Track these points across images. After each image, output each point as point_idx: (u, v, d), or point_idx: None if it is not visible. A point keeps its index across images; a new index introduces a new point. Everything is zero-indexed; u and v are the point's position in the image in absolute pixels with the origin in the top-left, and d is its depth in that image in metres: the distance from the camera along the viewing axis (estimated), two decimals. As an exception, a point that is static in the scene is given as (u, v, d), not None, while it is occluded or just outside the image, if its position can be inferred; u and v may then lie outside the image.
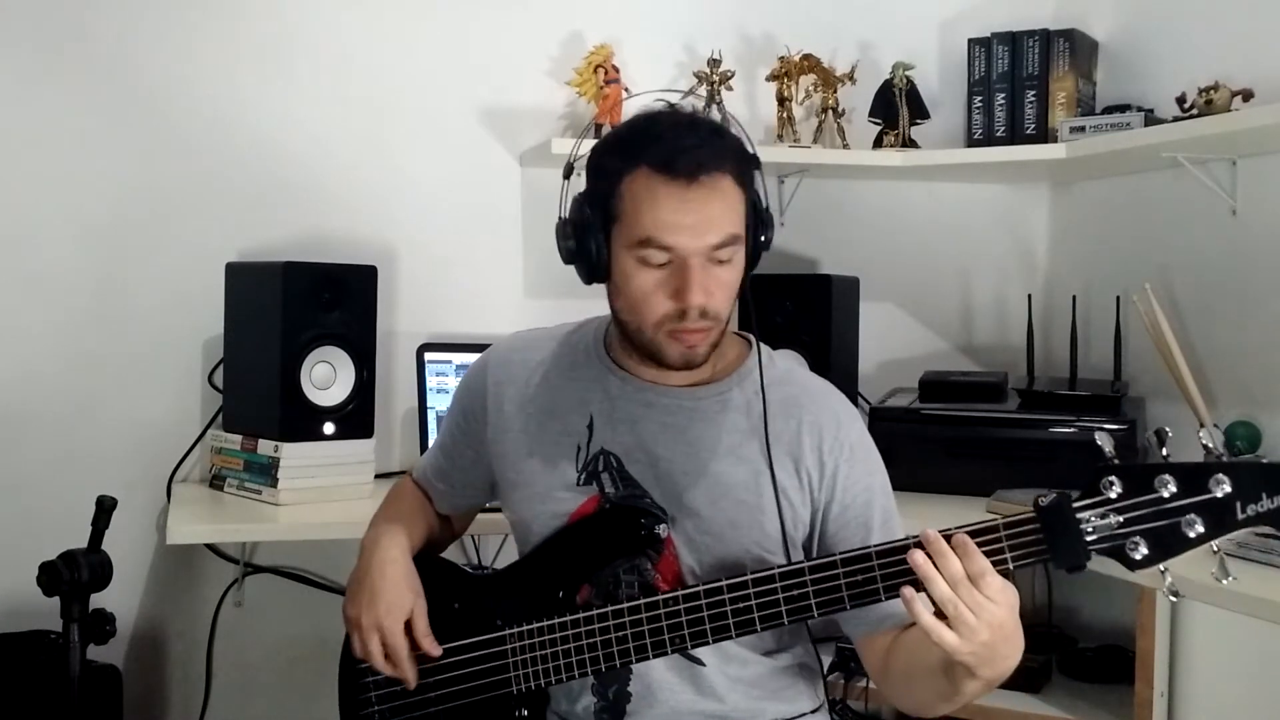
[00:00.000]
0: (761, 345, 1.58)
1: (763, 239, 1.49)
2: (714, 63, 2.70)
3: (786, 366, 1.60)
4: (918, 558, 1.26)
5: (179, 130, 2.53)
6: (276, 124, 2.59)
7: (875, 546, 1.33)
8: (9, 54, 2.41)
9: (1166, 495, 1.23)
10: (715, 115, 1.49)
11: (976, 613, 1.24)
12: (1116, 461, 1.27)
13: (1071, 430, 2.43)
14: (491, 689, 1.54)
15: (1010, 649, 1.30)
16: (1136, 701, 2.04)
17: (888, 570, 1.32)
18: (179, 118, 2.52)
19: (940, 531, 1.28)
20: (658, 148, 1.41)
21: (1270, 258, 2.33)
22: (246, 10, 2.56)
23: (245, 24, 2.56)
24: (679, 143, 1.41)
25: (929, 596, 1.26)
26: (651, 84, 2.66)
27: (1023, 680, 2.32)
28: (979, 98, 2.72)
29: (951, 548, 1.26)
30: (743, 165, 1.45)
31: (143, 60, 2.50)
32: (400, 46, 2.67)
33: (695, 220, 1.40)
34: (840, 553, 1.36)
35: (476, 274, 2.75)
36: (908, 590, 1.27)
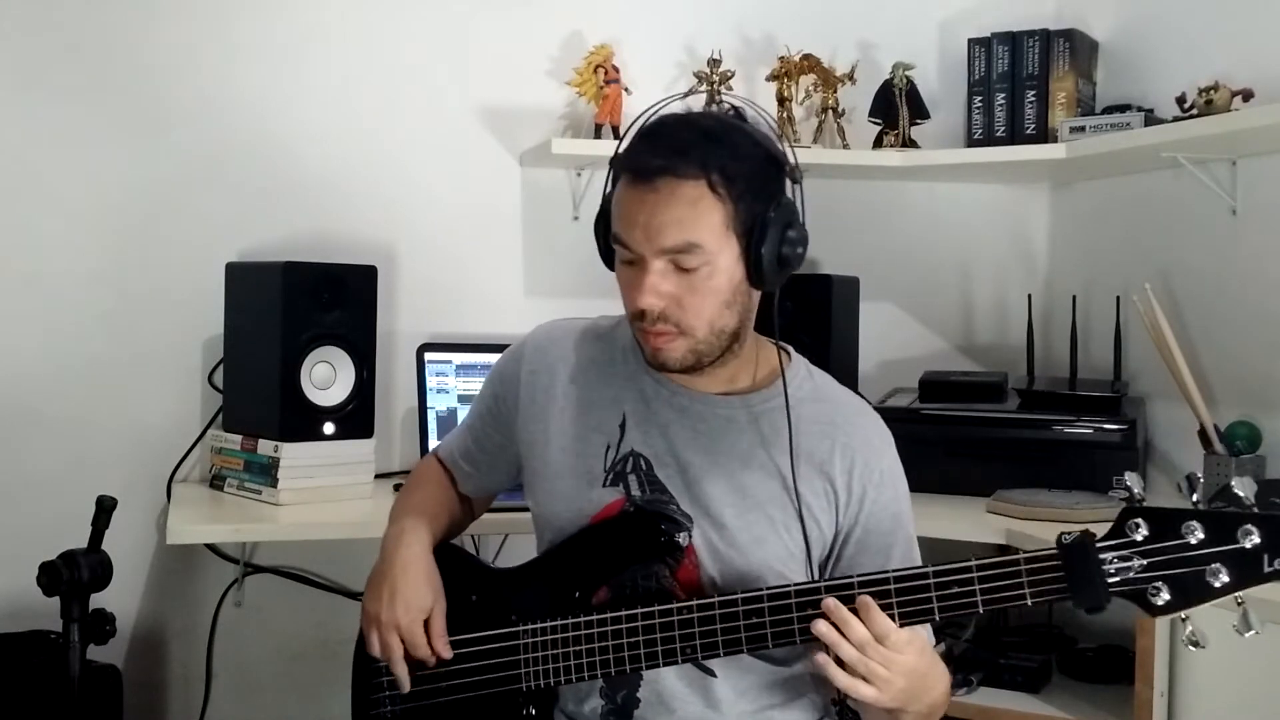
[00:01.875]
0: (799, 358, 1.58)
1: (763, 252, 1.42)
2: (714, 63, 2.70)
3: (823, 382, 1.59)
4: (821, 628, 1.31)
5: (179, 130, 2.53)
6: (276, 124, 2.59)
7: (894, 572, 1.35)
8: (8, 54, 2.41)
9: (1193, 542, 1.22)
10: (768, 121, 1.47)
11: (887, 666, 1.30)
12: (1145, 503, 1.26)
13: (1072, 430, 2.43)
14: (501, 684, 1.54)
15: (932, 682, 1.36)
16: (1136, 701, 2.04)
17: (904, 597, 1.33)
18: (179, 118, 2.53)
19: (833, 583, 1.34)
20: (635, 149, 1.43)
21: (1270, 258, 2.33)
22: (247, 11, 2.56)
23: (245, 24, 2.56)
24: (655, 144, 1.41)
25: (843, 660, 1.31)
26: (651, 84, 2.68)
27: (1023, 680, 2.33)
28: (979, 98, 2.72)
29: (854, 611, 1.31)
30: (733, 174, 1.40)
31: (142, 60, 2.50)
32: (401, 46, 2.67)
33: (647, 221, 1.40)
34: (858, 575, 1.36)
35: (476, 274, 2.75)
36: (820, 656, 1.32)
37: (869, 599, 1.31)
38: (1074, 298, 2.70)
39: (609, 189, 1.49)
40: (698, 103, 1.53)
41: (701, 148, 1.40)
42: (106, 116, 2.48)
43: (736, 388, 1.53)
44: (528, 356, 1.64)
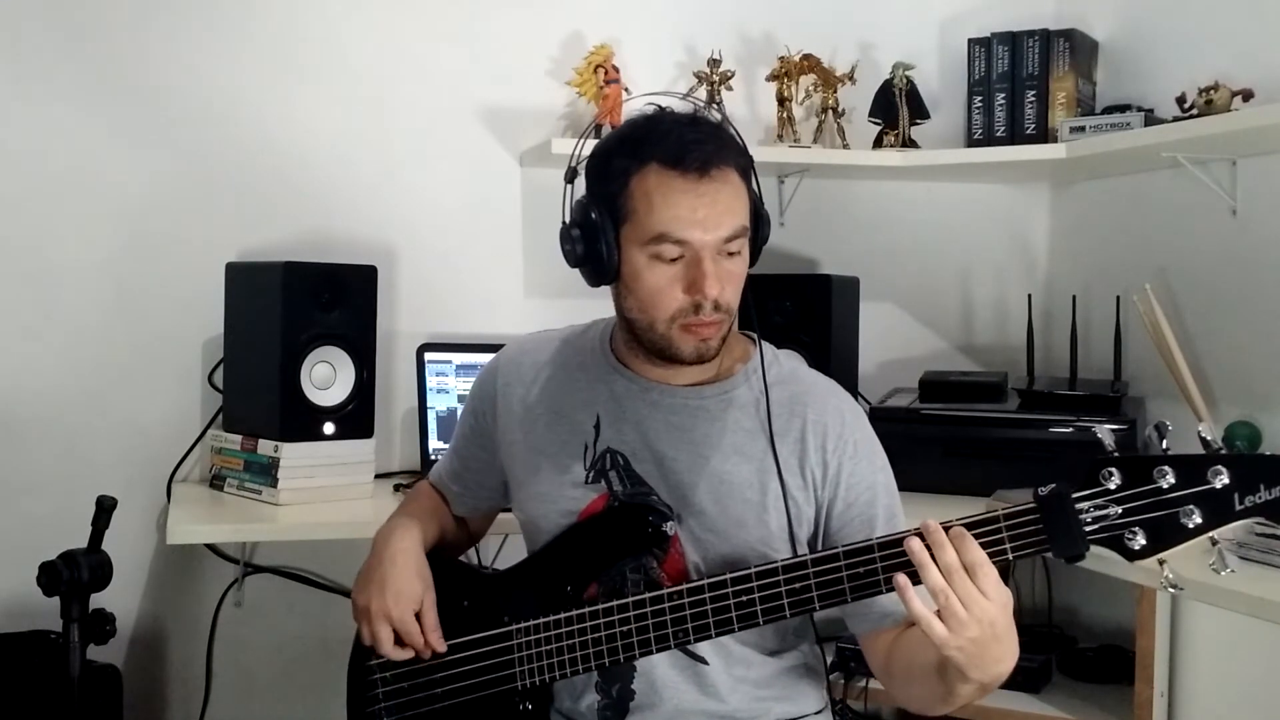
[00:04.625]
0: (764, 344, 1.58)
1: (761, 235, 1.52)
2: (714, 63, 2.71)
3: (791, 365, 1.61)
4: (914, 545, 1.27)
5: (179, 131, 2.53)
6: (277, 124, 2.59)
7: (878, 539, 1.34)
8: (12, 56, 2.41)
9: (1165, 486, 1.24)
10: (713, 114, 1.52)
11: (968, 605, 1.24)
12: (1116, 453, 1.27)
13: (1071, 430, 2.43)
14: (496, 684, 1.54)
15: (1001, 651, 1.30)
16: (1136, 701, 2.04)
17: (889, 562, 1.32)
18: (179, 118, 2.52)
19: (941, 523, 1.29)
20: (666, 144, 1.43)
21: (1270, 258, 2.33)
22: (247, 11, 2.56)
23: (246, 25, 2.56)
24: (685, 138, 1.43)
25: (925, 587, 1.26)
26: (651, 84, 2.67)
27: (1023, 680, 2.33)
28: (979, 98, 2.72)
29: (949, 539, 1.26)
30: (743, 160, 1.48)
31: (144, 61, 2.50)
32: (400, 46, 2.67)
33: (708, 214, 1.42)
34: (843, 545, 1.36)
35: (476, 274, 2.75)
36: (900, 577, 1.27)
37: (964, 529, 1.27)
38: (1074, 298, 2.70)
39: (605, 194, 1.47)
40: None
41: (719, 135, 1.46)
42: (107, 117, 2.48)
43: (704, 377, 1.55)
44: (502, 370, 1.67)
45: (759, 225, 1.51)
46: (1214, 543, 1.24)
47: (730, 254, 1.46)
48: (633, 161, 1.45)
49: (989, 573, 1.26)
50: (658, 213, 1.43)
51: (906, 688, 1.47)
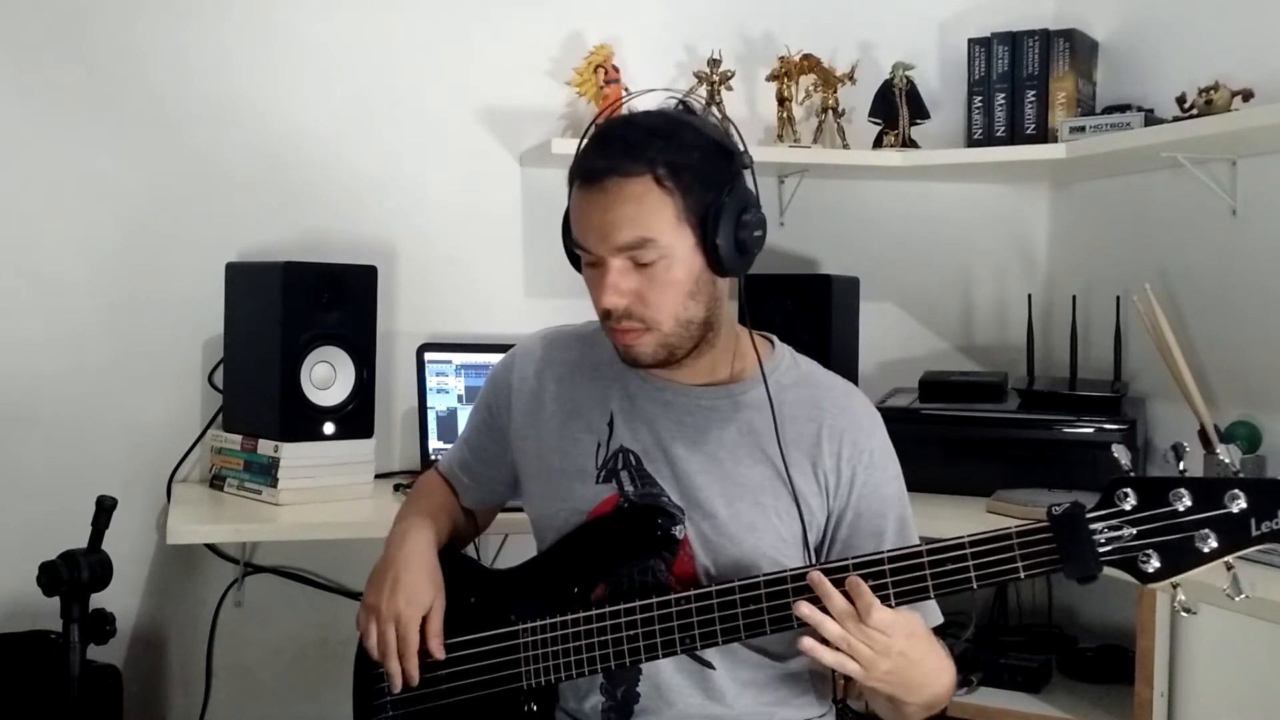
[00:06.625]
0: (782, 345, 1.59)
1: (719, 240, 1.42)
2: (714, 63, 2.70)
3: (809, 367, 1.60)
4: (804, 609, 1.32)
5: (179, 131, 2.53)
6: (277, 124, 2.59)
7: (888, 552, 1.35)
8: (8, 57, 2.41)
9: (1181, 509, 1.23)
10: (714, 113, 1.50)
11: (871, 644, 1.30)
12: (1132, 473, 1.27)
13: (1072, 430, 2.43)
14: (502, 683, 1.54)
15: (927, 673, 1.36)
16: (1136, 701, 2.05)
17: (899, 577, 1.33)
18: (179, 118, 2.53)
19: (827, 566, 1.34)
20: (584, 158, 1.45)
21: (1270, 258, 2.33)
22: (246, 11, 2.56)
23: (245, 25, 2.56)
24: (602, 147, 1.44)
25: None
26: (651, 84, 2.66)
27: (1023, 680, 2.33)
28: (979, 98, 2.72)
29: (842, 589, 1.31)
30: (679, 166, 1.41)
31: (143, 61, 2.50)
32: (400, 46, 2.67)
33: (600, 221, 1.42)
34: (852, 557, 1.37)
35: (476, 274, 2.75)
36: (805, 640, 1.32)
37: (858, 579, 1.31)
38: (1074, 298, 2.70)
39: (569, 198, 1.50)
40: (650, 102, 1.53)
41: (645, 144, 1.42)
42: (107, 117, 2.48)
43: (717, 378, 1.55)
44: (518, 364, 1.67)
45: (709, 229, 1.42)
46: (1229, 567, 1.23)
47: (643, 264, 1.42)
48: (570, 175, 1.48)
49: (882, 616, 1.30)
50: (572, 221, 1.47)
51: (873, 704, 1.51)
